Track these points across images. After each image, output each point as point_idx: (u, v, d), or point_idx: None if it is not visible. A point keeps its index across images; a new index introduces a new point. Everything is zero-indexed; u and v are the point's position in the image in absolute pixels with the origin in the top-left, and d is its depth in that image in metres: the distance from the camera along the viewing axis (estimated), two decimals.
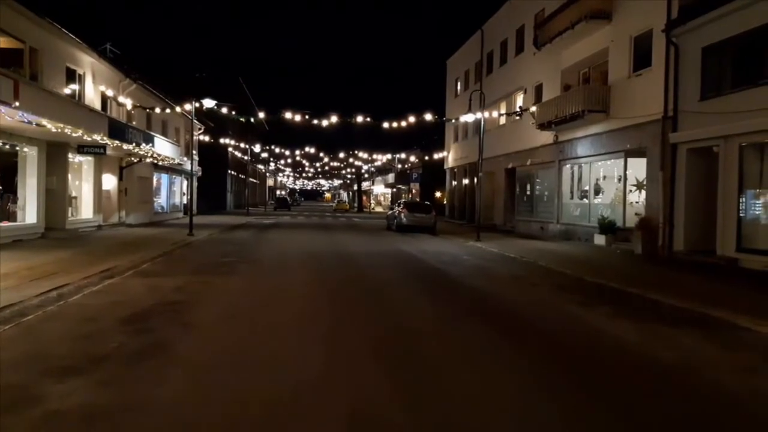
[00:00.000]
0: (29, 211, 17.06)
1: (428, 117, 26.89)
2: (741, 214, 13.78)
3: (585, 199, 21.91)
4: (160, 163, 27.86)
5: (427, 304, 8.97)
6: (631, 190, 18.97)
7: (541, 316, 8.29)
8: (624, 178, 19.08)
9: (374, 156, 58.32)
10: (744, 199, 13.76)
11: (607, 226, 19.06)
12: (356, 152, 58.52)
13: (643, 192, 18.14)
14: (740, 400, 4.86)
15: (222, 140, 42.60)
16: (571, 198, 23.02)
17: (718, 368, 5.81)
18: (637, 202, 18.79)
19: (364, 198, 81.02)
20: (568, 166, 23.04)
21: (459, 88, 39.12)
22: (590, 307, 8.91)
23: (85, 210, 21.10)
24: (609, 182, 20.53)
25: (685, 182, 15.68)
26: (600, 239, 19.26)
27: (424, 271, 13.05)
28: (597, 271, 12.84)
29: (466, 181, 36.67)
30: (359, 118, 27.30)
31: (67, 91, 19.09)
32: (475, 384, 5.03)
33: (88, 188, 21.30)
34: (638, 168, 18.38)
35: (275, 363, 5.47)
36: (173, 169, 32.57)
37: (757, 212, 13.60)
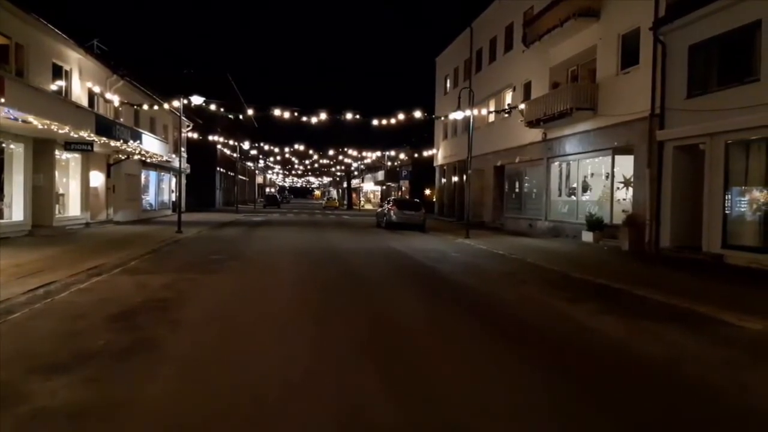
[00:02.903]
0: (16, 208, 16.90)
1: (418, 114, 26.94)
2: (726, 211, 13.95)
3: (573, 197, 22.06)
4: (149, 160, 27.68)
5: (416, 301, 8.99)
6: (618, 188, 19.12)
7: (529, 313, 8.35)
8: (611, 176, 19.22)
9: (364, 153, 58.25)
10: (729, 196, 13.93)
11: (594, 223, 19.21)
12: (346, 150, 58.38)
13: (631, 189, 18.29)
14: (724, 394, 4.93)
15: (211, 137, 42.39)
16: (559, 195, 23.17)
17: (703, 363, 5.90)
18: (624, 199, 18.95)
19: (354, 195, 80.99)
20: (556, 163, 23.18)
21: (448, 85, 39.18)
22: (578, 303, 8.98)
23: (73, 207, 20.92)
24: (597, 179, 20.69)
25: (671, 179, 15.84)
26: (588, 236, 19.41)
27: (413, 268, 13.08)
28: (584, 267, 12.96)
29: (455, 179, 36.76)
30: (348, 116, 27.29)
31: (53, 87, 18.91)
32: (466, 379, 5.07)
33: (75, 185, 21.12)
34: (626, 165, 18.53)
35: (264, 361, 5.47)
36: (162, 167, 32.37)
37: (742, 209, 13.77)
